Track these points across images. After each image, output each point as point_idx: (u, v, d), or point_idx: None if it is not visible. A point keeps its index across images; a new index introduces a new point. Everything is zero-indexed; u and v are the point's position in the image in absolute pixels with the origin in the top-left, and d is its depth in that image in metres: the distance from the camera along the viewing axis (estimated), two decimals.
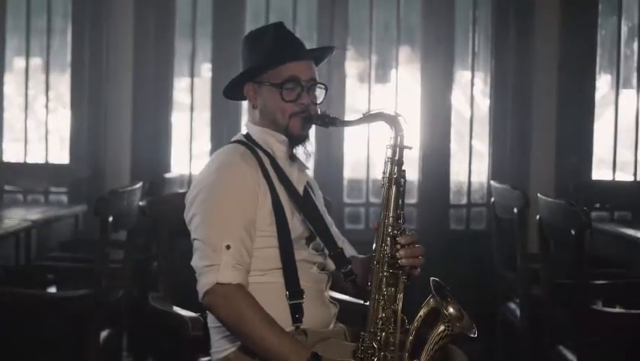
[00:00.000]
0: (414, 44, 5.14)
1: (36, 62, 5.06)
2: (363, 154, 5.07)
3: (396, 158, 2.19)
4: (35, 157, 5.07)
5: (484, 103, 5.16)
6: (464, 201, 5.17)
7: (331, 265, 2.41)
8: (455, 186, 5.16)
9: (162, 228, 2.74)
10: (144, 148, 4.95)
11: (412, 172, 4.98)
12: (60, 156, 5.07)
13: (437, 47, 5.03)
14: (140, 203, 3.51)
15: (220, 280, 2.18)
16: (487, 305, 4.10)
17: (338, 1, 5.03)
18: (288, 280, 2.27)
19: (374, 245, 2.19)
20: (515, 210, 3.74)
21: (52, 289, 3.88)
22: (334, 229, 2.45)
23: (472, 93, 5.14)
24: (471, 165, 5.14)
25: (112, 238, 3.40)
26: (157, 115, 4.99)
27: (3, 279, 3.71)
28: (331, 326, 2.37)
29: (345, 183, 5.09)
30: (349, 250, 2.47)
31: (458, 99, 5.14)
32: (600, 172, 5.10)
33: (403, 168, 2.19)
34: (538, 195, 3.47)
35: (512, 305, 3.95)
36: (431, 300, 2.12)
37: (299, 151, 2.37)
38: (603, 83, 5.14)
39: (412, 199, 5.02)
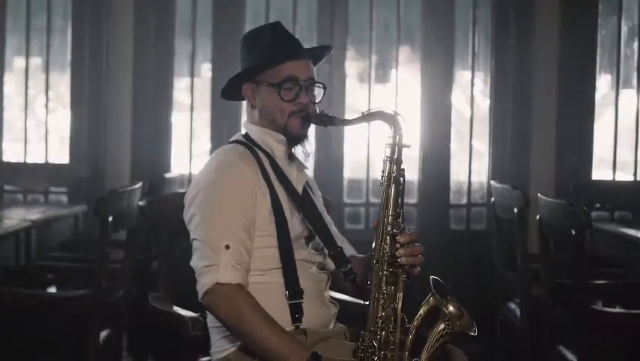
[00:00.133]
0: (414, 44, 5.13)
1: (36, 61, 5.06)
2: (363, 154, 5.07)
3: (395, 157, 2.19)
4: (35, 157, 5.07)
5: (484, 103, 5.16)
6: (464, 201, 5.17)
7: (331, 264, 2.41)
8: (455, 186, 5.16)
9: (162, 228, 2.75)
10: (144, 148, 4.95)
11: (412, 172, 4.98)
12: (60, 155, 5.07)
13: (437, 46, 5.03)
14: (140, 203, 3.50)
15: (220, 280, 2.18)
16: (487, 305, 4.10)
17: (338, 1, 5.03)
18: (288, 280, 2.27)
19: (373, 244, 2.18)
20: (515, 210, 3.74)
21: (52, 289, 3.88)
22: (333, 229, 2.45)
23: (472, 93, 5.14)
24: (471, 165, 5.14)
25: (112, 238, 3.40)
26: (157, 115, 4.99)
27: (3, 279, 3.71)
28: (331, 325, 2.37)
29: (345, 183, 5.09)
30: (349, 250, 2.47)
31: (458, 99, 5.14)
32: (600, 172, 5.10)
33: (402, 166, 2.19)
34: (539, 195, 3.47)
35: (512, 305, 3.95)
36: (431, 298, 2.12)
37: (298, 151, 2.37)
38: (603, 83, 5.14)
39: (412, 199, 5.02)
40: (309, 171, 2.56)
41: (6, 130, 5.04)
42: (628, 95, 5.13)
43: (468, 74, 5.15)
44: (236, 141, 2.38)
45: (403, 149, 2.19)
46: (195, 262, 2.24)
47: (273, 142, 2.35)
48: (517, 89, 5.04)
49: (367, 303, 2.18)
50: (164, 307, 2.61)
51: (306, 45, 2.42)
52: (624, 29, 5.09)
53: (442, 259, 4.49)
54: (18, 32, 5.01)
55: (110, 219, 3.25)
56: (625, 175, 5.15)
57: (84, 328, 3.23)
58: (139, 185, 3.72)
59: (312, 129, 2.38)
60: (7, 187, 4.97)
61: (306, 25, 5.09)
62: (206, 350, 2.36)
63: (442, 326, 2.10)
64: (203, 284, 2.20)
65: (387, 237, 2.17)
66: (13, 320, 3.32)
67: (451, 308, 2.09)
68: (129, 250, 3.64)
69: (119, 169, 4.94)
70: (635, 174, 5.10)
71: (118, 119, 4.96)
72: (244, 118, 2.46)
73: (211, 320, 2.31)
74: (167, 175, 4.72)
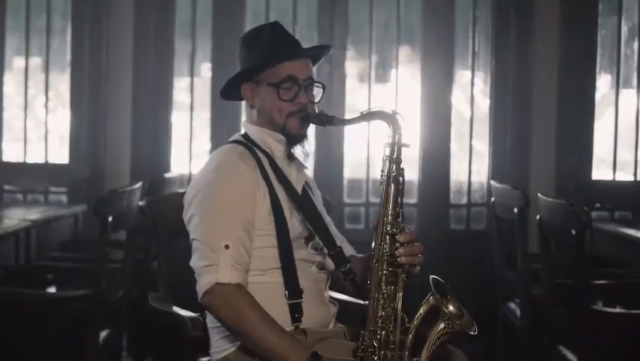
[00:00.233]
0: (414, 44, 5.13)
1: (36, 61, 5.06)
2: (363, 154, 5.06)
3: (395, 156, 2.19)
4: (35, 157, 5.07)
5: (484, 103, 5.16)
6: (464, 201, 5.17)
7: (330, 264, 2.40)
8: (455, 186, 5.15)
9: (162, 228, 2.74)
10: (144, 148, 4.95)
11: (412, 172, 4.98)
12: (60, 155, 5.07)
13: (437, 46, 5.03)
14: (140, 203, 3.50)
15: (219, 280, 2.17)
16: (487, 305, 4.10)
17: (338, 1, 5.03)
18: (288, 280, 2.27)
19: (373, 243, 2.18)
20: (515, 210, 3.74)
21: (52, 289, 3.88)
22: (333, 229, 2.45)
23: (472, 93, 5.14)
24: (471, 165, 5.14)
25: (112, 238, 3.40)
26: (157, 115, 4.99)
27: (3, 279, 3.70)
28: (331, 325, 2.37)
29: (345, 183, 5.09)
30: (348, 250, 2.46)
31: (458, 99, 5.14)
32: (600, 172, 5.10)
33: (402, 166, 2.19)
34: (539, 195, 3.47)
35: (512, 305, 3.95)
36: (431, 298, 2.12)
37: (297, 151, 2.37)
38: (603, 83, 5.14)
39: (412, 199, 5.02)
40: (309, 171, 2.56)
41: (6, 130, 5.04)
42: (628, 95, 5.12)
43: (468, 73, 5.14)
44: (236, 141, 2.38)
45: (403, 148, 2.19)
46: (195, 262, 2.24)
47: (272, 142, 2.35)
48: (517, 89, 5.04)
49: (367, 303, 2.17)
50: (163, 307, 2.61)
51: (306, 45, 2.42)
52: (624, 29, 5.09)
53: (442, 259, 4.48)
54: (18, 32, 5.01)
55: (110, 219, 3.25)
56: (625, 175, 5.15)
57: (84, 328, 3.22)
58: (139, 185, 3.72)
59: (312, 129, 2.38)
60: (6, 187, 4.97)
61: (306, 25, 5.09)
62: (206, 350, 2.36)
63: (442, 325, 2.10)
64: (202, 284, 2.20)
65: (387, 236, 2.16)
66: (13, 320, 3.32)
67: (451, 308, 2.09)
68: (129, 250, 3.64)
69: (119, 169, 4.94)
70: (635, 174, 5.10)
71: (118, 119, 4.96)
72: (244, 118, 2.46)
73: (211, 320, 2.31)
74: (167, 175, 4.71)
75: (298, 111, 2.31)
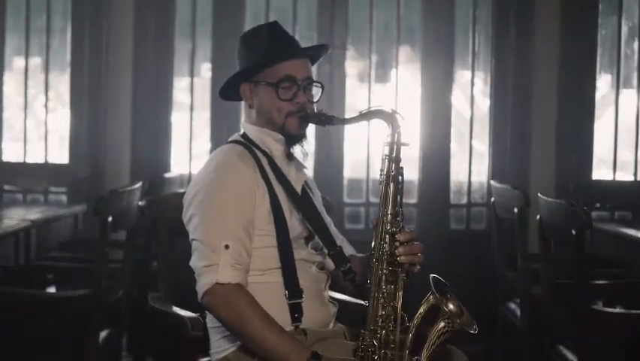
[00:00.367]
0: (414, 44, 5.13)
1: (35, 61, 5.06)
2: (363, 154, 5.06)
3: (394, 155, 2.18)
4: (35, 157, 5.07)
5: (484, 103, 5.16)
6: (464, 201, 5.17)
7: (330, 264, 2.40)
8: (455, 186, 5.15)
9: (162, 228, 2.74)
10: (144, 148, 4.95)
11: (412, 172, 4.99)
12: (60, 155, 5.07)
13: (437, 46, 5.03)
14: (140, 203, 3.50)
15: (219, 280, 2.17)
16: (487, 305, 4.09)
17: (338, 1, 5.03)
18: (287, 280, 2.27)
19: (373, 243, 2.18)
20: (515, 210, 3.73)
21: (52, 289, 3.88)
22: (333, 228, 2.45)
23: (472, 93, 5.14)
24: (471, 165, 5.14)
25: (111, 238, 3.39)
26: (157, 115, 4.99)
27: (3, 279, 3.70)
28: (331, 325, 2.37)
29: (345, 182, 5.09)
30: (348, 249, 2.46)
31: (458, 99, 5.14)
32: (600, 172, 5.10)
33: (401, 165, 2.19)
34: (539, 195, 3.47)
35: (512, 305, 3.95)
36: (431, 297, 2.12)
37: (296, 150, 2.37)
38: (603, 83, 5.14)
39: (412, 199, 5.02)
40: (309, 171, 2.56)
41: (6, 130, 5.04)
42: (628, 95, 5.12)
43: (468, 73, 5.14)
44: (235, 141, 2.38)
45: (402, 147, 2.19)
46: (195, 262, 2.24)
47: (271, 142, 2.35)
48: (517, 89, 5.04)
49: (367, 302, 2.17)
50: (163, 307, 2.61)
51: (306, 45, 2.42)
52: (624, 29, 5.09)
53: (442, 259, 4.48)
54: (18, 32, 5.01)
55: (110, 219, 3.25)
56: (625, 175, 5.15)
57: (84, 328, 3.22)
58: (139, 185, 3.72)
59: (312, 129, 2.38)
60: (6, 187, 4.97)
61: (306, 25, 5.09)
62: (206, 350, 2.35)
63: (442, 324, 2.10)
64: (202, 284, 2.20)
65: (387, 235, 2.16)
66: (13, 320, 3.32)
67: (451, 306, 2.09)
68: (129, 250, 3.63)
69: (119, 169, 4.94)
70: (635, 174, 5.10)
71: (118, 119, 4.96)
72: (243, 118, 2.46)
73: (210, 320, 2.31)
74: (167, 175, 4.71)
75: (297, 111, 2.30)
